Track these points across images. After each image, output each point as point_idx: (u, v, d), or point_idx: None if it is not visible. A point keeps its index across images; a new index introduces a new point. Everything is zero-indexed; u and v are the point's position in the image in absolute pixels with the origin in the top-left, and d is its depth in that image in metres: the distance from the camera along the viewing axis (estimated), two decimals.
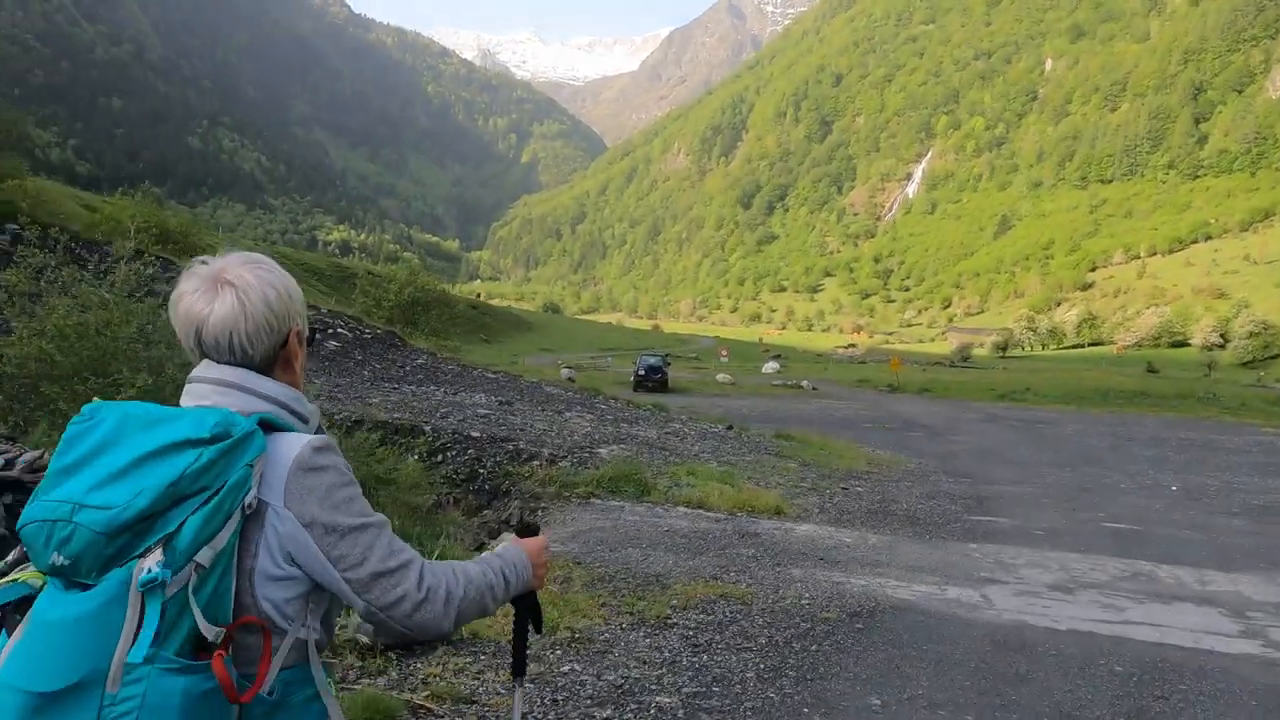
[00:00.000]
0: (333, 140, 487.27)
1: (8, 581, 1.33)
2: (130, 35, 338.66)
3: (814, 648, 5.26)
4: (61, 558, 1.25)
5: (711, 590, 6.22)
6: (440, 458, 10.28)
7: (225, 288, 1.43)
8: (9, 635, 1.28)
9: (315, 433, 1.49)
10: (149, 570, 1.22)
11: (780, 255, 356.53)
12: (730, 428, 16.80)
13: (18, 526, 1.29)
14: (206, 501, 1.26)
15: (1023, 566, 7.64)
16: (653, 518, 8.65)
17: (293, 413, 1.47)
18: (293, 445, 1.39)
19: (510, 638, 1.59)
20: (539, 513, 8.77)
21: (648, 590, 6.18)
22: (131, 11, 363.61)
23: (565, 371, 38.47)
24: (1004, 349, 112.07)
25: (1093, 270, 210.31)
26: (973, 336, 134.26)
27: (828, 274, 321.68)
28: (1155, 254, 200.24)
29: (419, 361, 17.73)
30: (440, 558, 3.52)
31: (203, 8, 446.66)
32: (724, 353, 69.13)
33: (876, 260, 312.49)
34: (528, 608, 1.80)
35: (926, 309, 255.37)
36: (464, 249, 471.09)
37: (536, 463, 10.14)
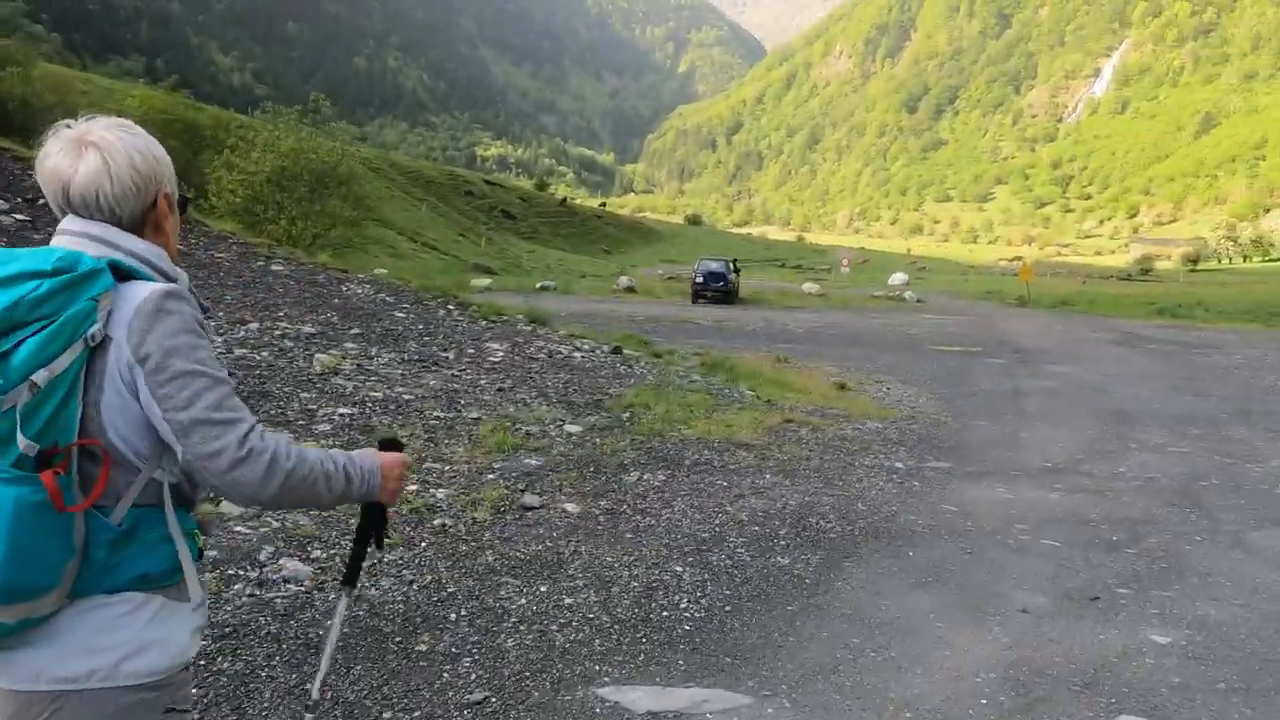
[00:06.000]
0: (496, 57, 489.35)
1: None
2: None
3: None
4: None
5: None
6: None
7: (89, 149, 1.45)
8: None
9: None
10: None
11: (947, 162, 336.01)
12: (617, 350, 11.71)
13: None
14: (44, 328, 1.31)
15: None
16: None
17: (155, 269, 1.48)
18: (144, 289, 1.41)
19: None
20: None
21: None
22: None
23: (624, 280, 34.60)
24: (1194, 261, 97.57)
25: None
26: (1159, 248, 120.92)
27: (999, 181, 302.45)
28: None
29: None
30: None
31: None
32: (845, 263, 62.85)
33: (1055, 166, 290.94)
34: (374, 519, 1.75)
35: (1109, 219, 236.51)
36: (618, 162, 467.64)
37: None
